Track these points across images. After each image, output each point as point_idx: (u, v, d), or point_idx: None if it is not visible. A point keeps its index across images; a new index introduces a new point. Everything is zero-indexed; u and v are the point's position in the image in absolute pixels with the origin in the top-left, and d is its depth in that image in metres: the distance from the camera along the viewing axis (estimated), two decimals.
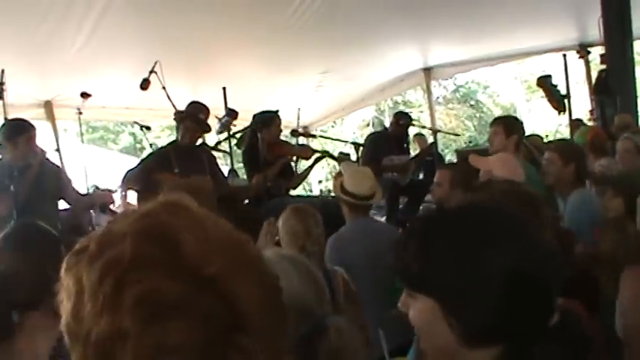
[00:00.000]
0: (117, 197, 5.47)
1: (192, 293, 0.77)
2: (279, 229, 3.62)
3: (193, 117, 5.56)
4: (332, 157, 6.83)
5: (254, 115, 6.38)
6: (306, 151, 6.86)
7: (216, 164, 5.91)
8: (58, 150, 5.96)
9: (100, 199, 5.45)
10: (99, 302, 0.78)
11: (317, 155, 6.66)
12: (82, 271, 0.81)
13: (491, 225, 1.32)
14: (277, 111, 6.43)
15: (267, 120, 6.29)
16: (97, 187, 5.47)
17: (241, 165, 6.90)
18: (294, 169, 6.80)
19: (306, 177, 6.97)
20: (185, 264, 0.79)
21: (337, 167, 7.69)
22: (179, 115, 5.65)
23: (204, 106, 5.73)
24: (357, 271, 3.75)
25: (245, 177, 6.58)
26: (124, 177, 5.53)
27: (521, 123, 5.28)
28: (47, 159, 5.25)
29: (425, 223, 1.42)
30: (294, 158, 6.77)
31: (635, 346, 2.31)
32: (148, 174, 5.31)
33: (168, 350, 0.76)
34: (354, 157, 6.80)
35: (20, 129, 5.03)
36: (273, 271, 0.91)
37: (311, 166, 6.77)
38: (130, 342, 0.76)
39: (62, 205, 5.44)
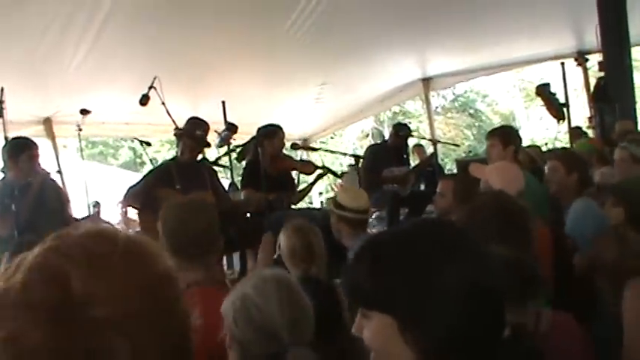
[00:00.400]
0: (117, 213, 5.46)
1: (60, 336, 0.76)
2: (281, 246, 3.61)
3: (191, 134, 5.57)
4: (334, 174, 6.83)
5: (258, 129, 6.39)
6: (308, 167, 6.85)
7: (218, 179, 5.91)
8: (59, 172, 5.96)
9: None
10: None
11: (319, 172, 6.66)
12: None
13: (442, 240, 1.31)
14: (280, 126, 6.44)
15: (270, 133, 6.28)
16: (97, 202, 5.46)
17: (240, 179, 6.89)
18: (295, 183, 6.80)
19: (307, 193, 6.96)
20: (69, 304, 0.77)
21: (338, 181, 7.68)
22: (177, 132, 5.66)
23: (203, 121, 5.73)
24: None
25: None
26: (126, 193, 5.53)
27: (517, 132, 5.30)
28: (50, 178, 5.25)
29: (374, 242, 1.41)
30: (296, 174, 6.77)
31: None
32: (149, 190, 5.31)
33: None
34: (354, 171, 6.81)
35: (22, 147, 5.05)
36: (187, 315, 0.89)
37: (313, 183, 6.77)
38: None
39: None
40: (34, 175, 4.94)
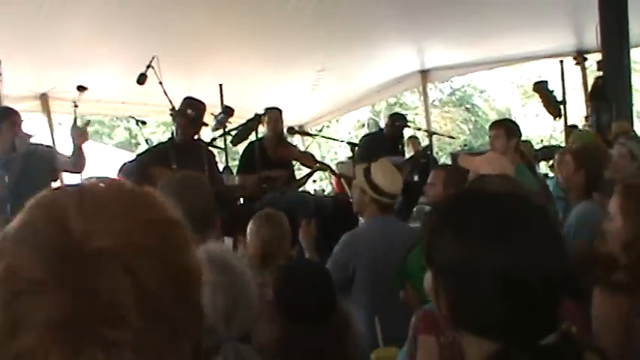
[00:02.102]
0: None
1: (60, 269, 0.74)
2: (248, 233, 3.63)
3: (183, 113, 5.56)
4: (332, 172, 6.86)
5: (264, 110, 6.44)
6: (308, 159, 6.87)
7: (214, 161, 5.93)
8: (52, 142, 5.93)
9: (77, 136, 5.36)
10: None
11: (318, 166, 6.69)
12: None
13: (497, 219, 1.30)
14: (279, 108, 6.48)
15: (268, 114, 6.34)
16: (71, 136, 5.44)
17: (237, 162, 6.89)
18: (295, 176, 6.83)
19: (304, 184, 6.99)
20: (65, 236, 0.76)
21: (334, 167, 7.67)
22: (172, 112, 5.66)
23: (198, 101, 5.72)
24: (368, 268, 3.79)
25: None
26: (120, 169, 5.53)
27: (519, 127, 5.33)
28: (35, 143, 5.22)
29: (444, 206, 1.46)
30: (294, 164, 6.81)
31: None
32: (144, 168, 5.30)
33: (30, 325, 0.74)
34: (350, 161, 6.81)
35: (3, 115, 5.03)
36: (198, 266, 0.87)
37: (309, 175, 6.79)
38: None
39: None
40: (19, 142, 4.91)
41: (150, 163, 5.35)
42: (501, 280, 1.23)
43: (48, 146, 5.63)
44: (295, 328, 2.54)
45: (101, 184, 0.85)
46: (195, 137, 5.93)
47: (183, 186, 2.82)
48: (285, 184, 6.32)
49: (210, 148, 6.14)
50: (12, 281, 0.75)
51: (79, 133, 5.35)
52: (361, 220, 4.60)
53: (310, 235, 4.12)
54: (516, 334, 1.25)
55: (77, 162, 5.34)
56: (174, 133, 5.67)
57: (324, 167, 6.65)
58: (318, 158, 6.86)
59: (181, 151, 5.42)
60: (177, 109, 5.62)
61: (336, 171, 7.05)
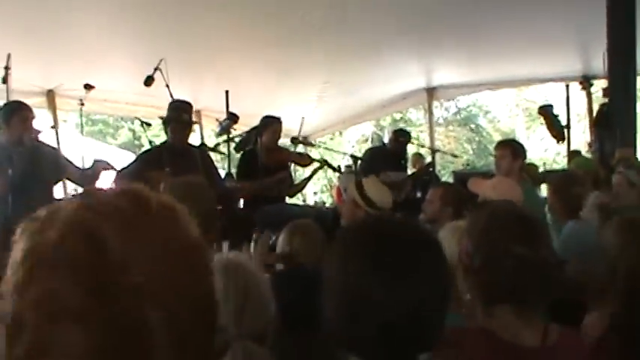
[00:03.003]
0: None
1: (98, 300, 0.74)
2: (279, 243, 3.59)
3: (168, 117, 5.50)
4: (331, 167, 6.83)
5: (261, 120, 6.41)
6: (304, 159, 6.86)
7: (212, 165, 5.89)
8: (54, 127, 5.89)
9: (101, 168, 5.37)
10: (14, 282, 0.77)
11: (316, 165, 6.66)
12: (21, 242, 0.80)
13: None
14: (278, 117, 6.46)
15: (266, 124, 6.31)
16: (96, 161, 5.43)
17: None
18: (292, 177, 6.80)
19: (304, 187, 6.97)
20: (104, 266, 0.75)
21: (335, 180, 7.68)
22: (164, 119, 5.60)
23: (186, 102, 5.63)
24: None
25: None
26: (116, 176, 5.53)
27: (524, 148, 5.33)
28: (42, 142, 5.23)
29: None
30: (292, 166, 6.77)
31: None
32: (140, 172, 5.29)
33: (59, 352, 0.74)
34: (350, 172, 6.81)
35: (14, 109, 5.02)
36: (214, 289, 0.87)
37: (309, 177, 6.77)
38: (25, 333, 0.75)
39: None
40: (28, 137, 4.92)
41: (144, 167, 5.33)
42: (370, 306, 1.28)
43: (53, 148, 5.61)
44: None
45: (130, 203, 0.83)
46: (199, 142, 5.92)
47: (187, 190, 2.83)
48: (283, 190, 6.33)
49: (207, 152, 6.12)
50: (47, 306, 0.74)
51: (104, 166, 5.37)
52: None
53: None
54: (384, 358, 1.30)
55: (88, 180, 5.33)
56: (169, 138, 5.59)
57: (322, 164, 6.61)
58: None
59: (174, 154, 5.38)
60: (167, 115, 5.56)
61: (335, 181, 7.04)
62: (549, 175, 7.85)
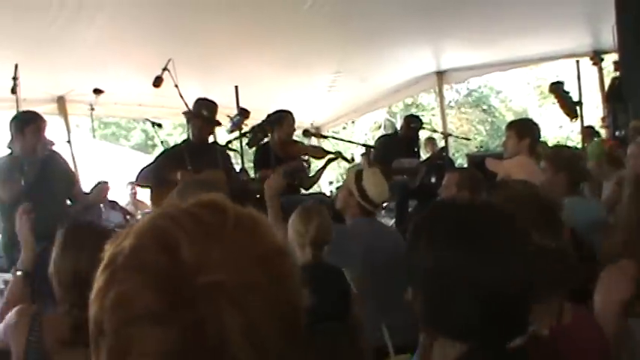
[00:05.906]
0: (126, 193, 5.48)
1: (172, 302, 0.75)
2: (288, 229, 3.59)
3: (197, 114, 5.60)
4: (344, 158, 6.83)
5: (268, 115, 6.41)
6: (318, 151, 6.87)
7: (230, 161, 5.96)
8: (69, 142, 5.94)
9: (94, 199, 5.37)
10: (95, 289, 0.80)
11: (330, 156, 6.66)
12: (107, 252, 0.83)
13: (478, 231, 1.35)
14: (289, 111, 6.46)
15: (280, 118, 6.32)
16: (99, 183, 5.44)
17: (252, 164, 6.91)
18: (307, 170, 6.81)
19: (318, 178, 6.98)
20: (177, 269, 0.76)
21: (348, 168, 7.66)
22: (187, 114, 5.70)
23: (210, 101, 5.76)
24: (357, 267, 3.76)
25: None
26: (138, 175, 5.58)
27: (536, 125, 5.22)
28: (57, 153, 5.26)
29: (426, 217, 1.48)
30: (307, 158, 6.77)
31: None
32: (161, 171, 5.35)
33: (137, 354, 0.75)
34: (364, 160, 6.80)
35: (28, 120, 5.03)
36: (301, 294, 0.86)
37: (323, 167, 6.78)
38: (105, 339, 0.77)
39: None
40: (42, 148, 4.93)
41: (166, 165, 5.39)
42: (469, 287, 1.28)
43: (66, 162, 5.61)
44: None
45: (207, 209, 0.84)
46: (211, 138, 5.97)
47: (203, 187, 2.85)
48: (298, 181, 6.33)
49: (225, 149, 6.16)
50: (124, 309, 0.76)
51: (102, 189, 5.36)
52: None
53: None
54: (486, 337, 1.30)
55: (89, 201, 5.34)
56: (190, 135, 5.71)
57: (337, 155, 6.61)
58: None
59: (196, 152, 5.46)
60: (191, 110, 5.65)
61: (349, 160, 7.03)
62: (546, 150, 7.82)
